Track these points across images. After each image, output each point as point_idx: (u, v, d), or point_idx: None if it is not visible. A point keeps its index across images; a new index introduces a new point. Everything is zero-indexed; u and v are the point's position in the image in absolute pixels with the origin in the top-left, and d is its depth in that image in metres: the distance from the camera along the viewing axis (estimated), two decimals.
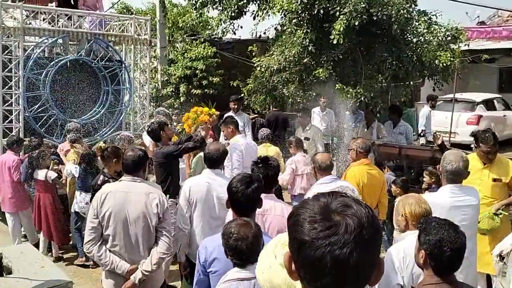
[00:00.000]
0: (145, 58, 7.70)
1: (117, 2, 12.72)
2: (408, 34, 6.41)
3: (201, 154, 4.47)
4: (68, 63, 6.78)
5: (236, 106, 6.78)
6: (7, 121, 6.16)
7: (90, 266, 4.88)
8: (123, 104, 7.37)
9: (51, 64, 6.57)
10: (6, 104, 6.15)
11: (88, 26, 6.89)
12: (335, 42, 5.65)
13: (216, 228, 3.01)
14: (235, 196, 2.32)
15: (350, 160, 4.17)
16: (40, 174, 5.00)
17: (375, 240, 0.90)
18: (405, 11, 5.98)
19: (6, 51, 6.15)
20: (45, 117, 6.48)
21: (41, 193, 5.06)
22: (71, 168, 5.05)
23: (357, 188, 3.71)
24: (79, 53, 6.99)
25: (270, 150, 5.43)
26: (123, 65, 7.35)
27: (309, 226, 0.89)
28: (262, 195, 2.49)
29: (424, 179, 4.61)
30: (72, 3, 7.47)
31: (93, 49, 7.02)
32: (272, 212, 2.69)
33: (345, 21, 5.53)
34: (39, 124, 6.43)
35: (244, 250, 1.94)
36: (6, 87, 6.12)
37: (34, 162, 4.98)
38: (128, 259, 2.90)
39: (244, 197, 2.31)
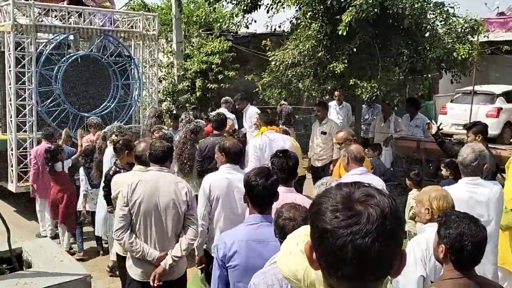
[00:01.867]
0: (153, 53, 7.96)
1: None
2: (423, 27, 6.36)
3: None
4: (79, 59, 7.02)
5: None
6: (20, 115, 6.39)
7: (101, 254, 5.16)
8: (133, 98, 7.60)
9: (63, 60, 6.80)
10: (20, 99, 6.38)
11: (99, 22, 7.15)
12: (341, 33, 5.68)
13: (238, 223, 3.05)
14: (255, 189, 2.37)
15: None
16: (58, 167, 5.31)
17: (397, 231, 0.91)
18: (419, 4, 5.93)
19: (19, 48, 6.38)
20: (57, 111, 6.72)
21: (58, 184, 5.40)
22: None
23: None
24: (90, 49, 7.22)
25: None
26: (132, 60, 7.60)
27: (331, 215, 0.91)
28: (282, 188, 2.56)
29: (442, 172, 4.63)
30: (83, 0, 7.72)
31: (104, 44, 7.28)
32: None
33: (354, 13, 5.53)
34: (51, 118, 6.67)
35: (290, 230, 1.97)
36: (20, 82, 6.35)
37: (51, 155, 5.26)
38: (158, 246, 3.03)
39: (263, 190, 2.36)
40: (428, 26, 6.46)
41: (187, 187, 3.10)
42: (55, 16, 6.77)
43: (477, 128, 4.32)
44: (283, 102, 8.61)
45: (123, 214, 3.02)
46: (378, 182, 3.30)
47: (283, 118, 8.71)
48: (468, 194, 2.99)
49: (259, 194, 2.37)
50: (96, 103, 7.28)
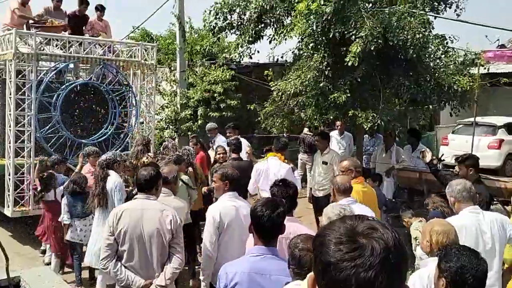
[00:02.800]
0: (151, 82, 8.23)
1: (137, 28, 13.26)
2: (425, 58, 6.52)
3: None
4: (78, 87, 7.18)
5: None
6: (19, 141, 6.49)
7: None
8: (130, 126, 7.75)
9: (62, 87, 6.95)
10: (19, 125, 6.50)
11: (98, 51, 7.41)
12: (350, 64, 5.82)
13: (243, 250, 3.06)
14: (260, 220, 2.37)
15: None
16: (49, 195, 5.38)
17: (401, 265, 0.92)
18: (420, 35, 6.10)
19: (20, 75, 6.54)
20: (55, 138, 6.82)
21: (48, 212, 5.51)
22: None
23: None
24: (89, 77, 7.43)
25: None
26: (131, 89, 7.82)
27: (335, 247, 0.92)
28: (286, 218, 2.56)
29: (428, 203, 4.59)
30: (84, 29, 8.09)
31: (103, 73, 7.50)
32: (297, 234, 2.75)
33: (361, 44, 5.70)
34: (49, 144, 6.75)
35: (307, 261, 2.02)
36: (19, 109, 6.48)
37: (44, 183, 5.28)
38: (142, 275, 3.07)
39: (269, 222, 2.36)
40: (429, 58, 6.59)
41: (172, 215, 3.11)
42: (56, 45, 6.98)
43: (470, 162, 4.38)
44: (306, 131, 8.90)
45: (109, 243, 3.07)
46: (367, 212, 3.30)
47: (305, 146, 8.94)
48: (473, 223, 3.01)
49: (265, 226, 2.37)
50: (94, 130, 7.39)
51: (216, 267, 3.32)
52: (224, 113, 10.26)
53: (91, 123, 7.38)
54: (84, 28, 8.10)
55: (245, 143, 7.29)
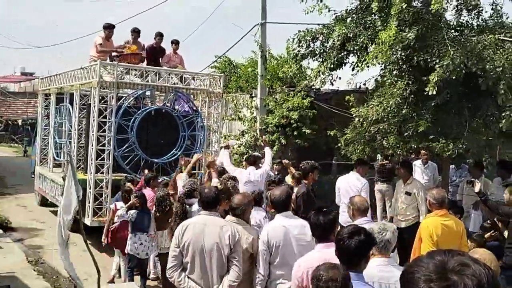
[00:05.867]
0: (217, 108, 9.11)
1: (219, 57, 14.28)
2: None
3: None
4: (153, 112, 8.16)
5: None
6: (99, 158, 7.58)
7: None
8: (197, 148, 8.50)
9: (138, 112, 7.97)
10: (100, 144, 7.61)
11: (172, 81, 8.43)
12: (430, 93, 5.83)
13: None
14: (346, 247, 2.46)
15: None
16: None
17: None
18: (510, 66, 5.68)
19: (103, 101, 7.67)
20: (131, 157, 7.82)
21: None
22: (122, 212, 5.92)
23: (430, 240, 4.04)
24: (164, 103, 8.37)
25: None
26: (199, 114, 8.68)
27: (425, 285, 0.90)
28: (320, 245, 2.85)
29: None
30: (160, 60, 9.23)
31: (175, 99, 8.52)
32: (334, 261, 2.86)
33: (441, 73, 5.68)
34: (125, 162, 7.77)
35: None
36: (101, 130, 7.62)
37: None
38: (203, 286, 3.38)
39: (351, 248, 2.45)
40: None
41: (231, 230, 3.41)
42: (135, 75, 8.10)
43: None
44: (381, 160, 8.98)
45: (174, 254, 3.45)
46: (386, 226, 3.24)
47: (383, 175, 8.97)
48: None
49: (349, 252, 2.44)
50: (165, 151, 8.25)
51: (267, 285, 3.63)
52: (298, 141, 10.47)
53: (163, 145, 8.26)
54: (160, 59, 9.24)
55: None
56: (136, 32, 8.96)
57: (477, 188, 4.65)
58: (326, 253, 2.77)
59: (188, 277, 3.39)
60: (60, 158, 9.57)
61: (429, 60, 5.94)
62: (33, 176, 11.10)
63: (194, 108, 8.70)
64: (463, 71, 5.69)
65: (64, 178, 8.18)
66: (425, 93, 5.88)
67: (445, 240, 4.00)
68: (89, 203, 7.47)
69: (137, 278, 5.92)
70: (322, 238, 2.98)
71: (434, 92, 5.73)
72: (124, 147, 7.75)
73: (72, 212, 3.96)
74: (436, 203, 4.24)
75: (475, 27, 6.60)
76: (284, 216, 3.68)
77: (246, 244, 3.66)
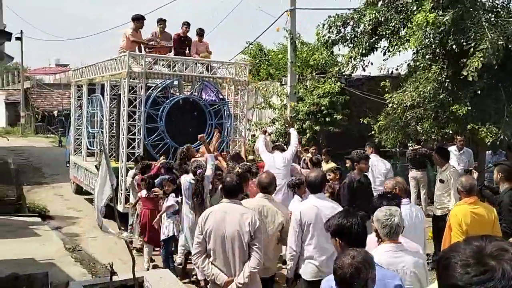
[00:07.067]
0: (243, 97, 9.26)
1: (251, 43, 14.27)
2: None
3: None
4: (181, 101, 8.39)
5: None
6: (130, 147, 7.91)
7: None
8: (224, 136, 8.70)
9: (167, 101, 8.21)
10: (130, 133, 7.91)
11: (199, 70, 8.60)
12: (470, 79, 5.73)
13: (328, 247, 3.53)
14: (351, 231, 2.58)
15: None
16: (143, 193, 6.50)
17: None
18: None
19: (132, 91, 7.94)
20: (160, 145, 8.11)
21: (145, 208, 6.57)
22: (172, 202, 6.18)
23: (459, 229, 4.02)
24: (191, 92, 8.57)
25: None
26: (225, 103, 8.87)
27: (462, 270, 0.91)
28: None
29: None
30: (187, 51, 9.36)
31: (202, 88, 8.69)
32: None
33: (481, 59, 5.55)
34: (155, 150, 8.08)
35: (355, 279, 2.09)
36: (131, 120, 7.91)
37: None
38: (226, 271, 3.52)
39: (358, 230, 2.59)
40: None
41: (251, 218, 3.50)
42: (163, 65, 8.31)
43: None
44: (415, 146, 8.86)
45: (198, 241, 3.60)
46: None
47: (417, 162, 8.94)
48: None
49: (355, 235, 2.56)
50: (193, 139, 8.29)
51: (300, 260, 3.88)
52: (330, 127, 10.40)
53: (191, 133, 8.35)
54: (187, 48, 9.37)
55: None
56: (163, 21, 9.12)
57: (475, 176, 4.59)
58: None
59: (212, 264, 3.52)
60: (93, 147, 9.96)
61: (464, 43, 5.79)
62: (68, 165, 11.59)
63: (221, 96, 8.86)
64: (501, 54, 5.51)
65: (97, 167, 8.57)
66: (462, 78, 5.75)
67: (475, 228, 3.94)
68: (121, 190, 7.80)
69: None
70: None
71: (476, 78, 5.60)
72: (154, 135, 8.03)
73: (105, 199, 4.11)
74: (464, 191, 4.19)
75: (511, 9, 6.34)
76: (317, 197, 3.94)
77: (282, 218, 4.07)
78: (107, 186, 4.08)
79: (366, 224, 2.64)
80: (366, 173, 5.77)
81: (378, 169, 6.67)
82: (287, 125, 7.68)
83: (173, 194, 6.17)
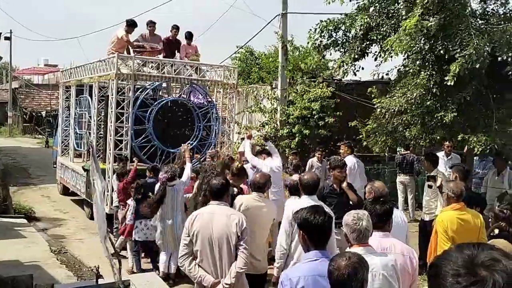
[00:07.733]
0: (231, 99, 9.34)
1: (241, 47, 14.32)
2: None
3: None
4: (169, 103, 8.41)
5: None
6: (117, 148, 7.90)
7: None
8: (212, 138, 8.76)
9: (155, 103, 8.22)
10: (118, 135, 7.90)
11: (187, 72, 8.60)
12: (449, 83, 5.82)
13: None
14: (316, 227, 2.66)
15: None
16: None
17: None
18: None
19: (120, 93, 7.93)
20: (148, 147, 8.10)
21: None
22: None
23: (445, 235, 4.03)
24: (179, 95, 8.59)
25: None
26: (214, 105, 8.91)
27: (452, 279, 0.89)
28: (377, 233, 2.97)
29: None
30: (176, 53, 9.37)
31: (190, 91, 8.70)
32: (393, 250, 3.02)
33: (462, 63, 5.64)
34: (142, 152, 8.07)
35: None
36: (119, 121, 7.90)
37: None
38: (213, 273, 3.55)
39: (323, 227, 2.69)
40: None
41: (238, 219, 3.55)
42: (151, 67, 8.31)
43: None
44: (403, 151, 9.03)
45: (185, 243, 3.63)
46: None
47: (405, 167, 9.07)
48: None
49: (320, 231, 2.66)
50: (181, 141, 8.33)
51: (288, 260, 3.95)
52: (320, 131, 10.48)
53: (179, 135, 8.48)
54: (176, 51, 9.39)
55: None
56: (153, 24, 9.14)
57: (438, 182, 4.67)
58: (384, 242, 2.99)
59: (199, 265, 3.54)
60: (81, 148, 9.94)
61: (451, 49, 5.86)
62: (55, 166, 11.52)
63: (209, 99, 8.90)
64: (487, 61, 5.59)
65: (84, 168, 8.51)
66: (449, 84, 5.82)
67: (461, 235, 3.96)
68: (107, 191, 7.75)
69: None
70: (377, 227, 3.05)
71: (452, 83, 5.67)
72: (141, 137, 8.02)
73: (100, 201, 4.07)
74: (454, 196, 4.20)
75: (501, 16, 6.46)
76: (310, 198, 4.05)
77: (274, 215, 4.31)
78: (97, 187, 4.00)
79: (332, 225, 2.76)
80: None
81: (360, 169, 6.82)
82: (264, 140, 7.70)
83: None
